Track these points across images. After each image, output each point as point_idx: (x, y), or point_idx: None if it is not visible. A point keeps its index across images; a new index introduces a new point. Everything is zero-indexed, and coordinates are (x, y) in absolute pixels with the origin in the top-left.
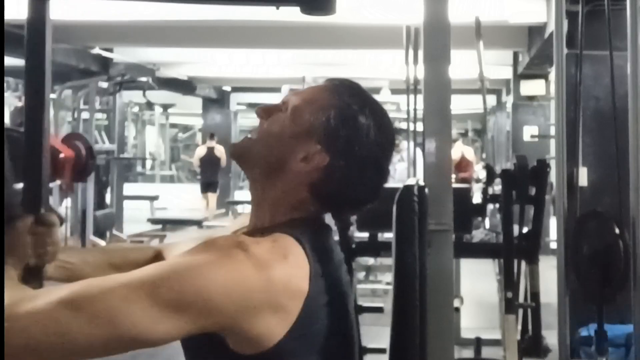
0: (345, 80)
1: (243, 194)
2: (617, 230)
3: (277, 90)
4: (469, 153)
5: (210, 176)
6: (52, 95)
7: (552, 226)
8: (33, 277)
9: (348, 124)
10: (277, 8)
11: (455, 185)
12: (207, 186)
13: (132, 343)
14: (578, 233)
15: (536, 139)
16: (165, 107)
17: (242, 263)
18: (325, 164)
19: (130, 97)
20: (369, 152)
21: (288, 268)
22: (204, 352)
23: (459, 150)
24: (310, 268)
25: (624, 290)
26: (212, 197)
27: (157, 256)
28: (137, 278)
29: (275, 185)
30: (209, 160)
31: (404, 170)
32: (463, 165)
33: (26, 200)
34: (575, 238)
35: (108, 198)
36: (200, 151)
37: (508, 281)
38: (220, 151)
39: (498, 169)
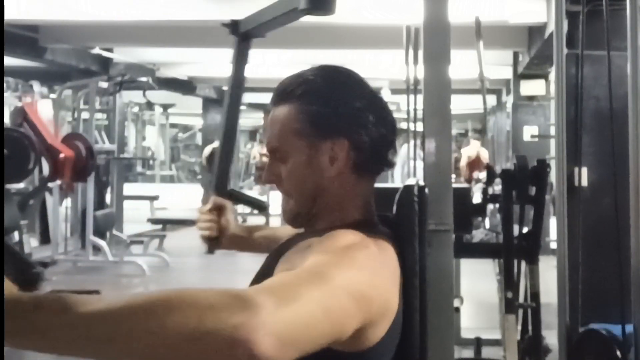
0: (278, 85)
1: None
2: (618, 354)
3: None
4: (484, 153)
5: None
6: (52, 95)
7: (552, 226)
8: (211, 244)
9: (323, 103)
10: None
11: (455, 185)
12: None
13: (331, 330)
14: (579, 351)
15: (536, 139)
16: (165, 107)
17: (369, 264)
18: (347, 146)
19: (130, 97)
20: (358, 102)
21: (393, 269)
22: None
23: (475, 149)
24: (399, 264)
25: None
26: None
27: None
28: (326, 271)
29: (329, 197)
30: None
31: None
32: (476, 164)
33: (218, 185)
34: (576, 356)
35: (108, 198)
36: (207, 151)
37: (508, 281)
38: (255, 150)
39: (498, 169)
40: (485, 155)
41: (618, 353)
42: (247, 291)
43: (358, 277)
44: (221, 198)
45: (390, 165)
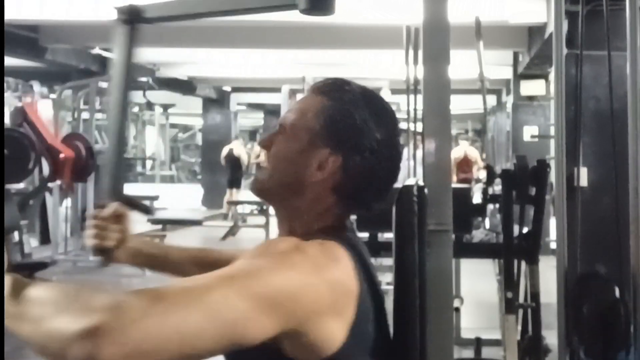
0: (328, 79)
1: (243, 194)
2: (617, 293)
3: (277, 90)
4: (472, 153)
5: (233, 173)
6: (52, 95)
7: (552, 226)
8: (105, 256)
9: (345, 118)
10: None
11: (455, 185)
12: (231, 183)
13: (236, 339)
14: (578, 293)
15: (536, 139)
16: (165, 107)
17: (303, 266)
18: (340, 164)
19: (130, 97)
20: (375, 135)
21: (341, 269)
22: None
23: (462, 150)
24: (355, 269)
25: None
26: (236, 192)
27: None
28: (227, 275)
29: (301, 201)
30: (230, 159)
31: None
32: (464, 165)
33: (114, 188)
34: (575, 298)
35: None
36: (224, 151)
37: (508, 281)
38: (238, 150)
39: (498, 169)
40: (473, 155)
41: (617, 293)
42: (130, 293)
43: (279, 279)
44: (119, 204)
45: (369, 207)
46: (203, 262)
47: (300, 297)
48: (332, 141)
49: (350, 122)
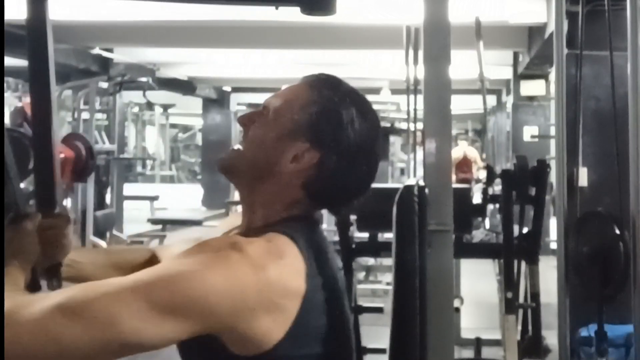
0: (322, 74)
1: None
2: (617, 231)
3: (277, 90)
4: (471, 153)
5: None
6: None
7: (552, 226)
8: (51, 276)
9: (332, 117)
10: (276, 8)
11: (455, 185)
12: None
13: (130, 348)
14: (578, 232)
15: (536, 139)
16: (165, 107)
17: (237, 264)
18: (316, 161)
19: (130, 97)
20: (357, 141)
21: (284, 267)
22: (201, 354)
23: (462, 150)
24: (306, 267)
25: (624, 290)
26: None
27: (153, 258)
28: (131, 282)
29: (267, 188)
30: None
31: None
32: (464, 165)
33: (40, 199)
34: (575, 237)
35: (108, 198)
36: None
37: (508, 281)
38: None
39: (498, 169)
40: (472, 154)
41: (617, 230)
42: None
43: (197, 284)
44: (49, 214)
45: (336, 211)
46: (120, 265)
47: (225, 295)
48: (314, 137)
49: (335, 122)
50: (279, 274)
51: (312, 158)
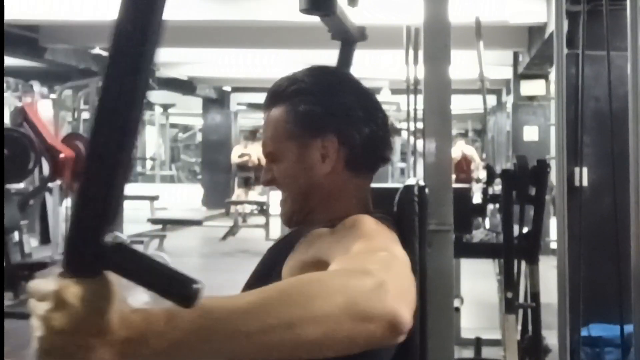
0: (273, 85)
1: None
2: None
3: None
4: (469, 151)
5: (244, 173)
6: (52, 95)
7: (552, 226)
8: None
9: (316, 105)
10: None
11: (455, 185)
12: (244, 182)
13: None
14: None
15: (536, 139)
16: (165, 107)
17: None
18: (337, 143)
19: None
20: (346, 99)
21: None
22: None
23: (459, 150)
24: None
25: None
26: (247, 191)
27: None
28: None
29: (326, 198)
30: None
31: None
32: (463, 164)
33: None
34: None
35: None
36: (236, 150)
37: (508, 281)
38: (249, 150)
39: (498, 169)
40: (470, 153)
41: None
42: (365, 267)
43: (404, 254)
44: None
45: (385, 161)
46: None
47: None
48: (316, 130)
49: (317, 104)
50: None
51: (332, 143)
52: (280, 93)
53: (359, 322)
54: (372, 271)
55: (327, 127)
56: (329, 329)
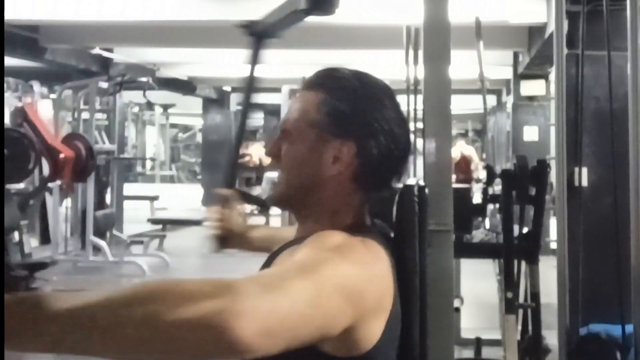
0: (318, 71)
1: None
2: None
3: (277, 90)
4: (468, 151)
5: (245, 173)
6: (52, 95)
7: (552, 226)
8: (220, 244)
9: (349, 105)
10: None
11: (455, 185)
12: (244, 182)
13: (325, 330)
14: (579, 353)
15: (536, 139)
16: (165, 107)
17: (360, 260)
18: (355, 152)
19: (130, 97)
20: (384, 117)
21: (383, 266)
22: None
23: (458, 150)
24: (391, 266)
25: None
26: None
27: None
28: (309, 268)
29: (322, 199)
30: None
31: None
32: (462, 164)
33: (227, 183)
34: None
35: (108, 198)
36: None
37: (508, 281)
38: (249, 150)
39: (498, 169)
40: (468, 153)
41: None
42: (231, 280)
43: (348, 272)
44: (229, 196)
45: (389, 187)
46: (272, 240)
47: (364, 292)
48: (341, 131)
49: (353, 108)
50: (384, 271)
51: (350, 150)
52: (322, 82)
53: (193, 330)
54: (236, 288)
55: (351, 133)
56: (157, 334)
